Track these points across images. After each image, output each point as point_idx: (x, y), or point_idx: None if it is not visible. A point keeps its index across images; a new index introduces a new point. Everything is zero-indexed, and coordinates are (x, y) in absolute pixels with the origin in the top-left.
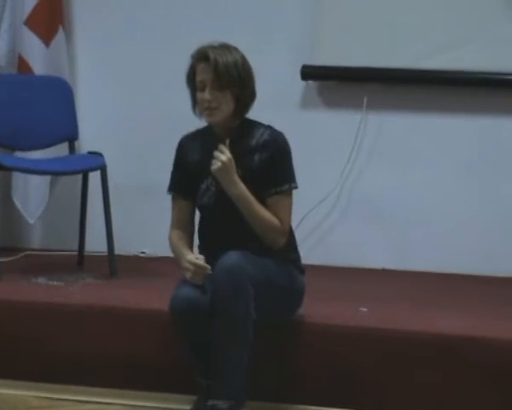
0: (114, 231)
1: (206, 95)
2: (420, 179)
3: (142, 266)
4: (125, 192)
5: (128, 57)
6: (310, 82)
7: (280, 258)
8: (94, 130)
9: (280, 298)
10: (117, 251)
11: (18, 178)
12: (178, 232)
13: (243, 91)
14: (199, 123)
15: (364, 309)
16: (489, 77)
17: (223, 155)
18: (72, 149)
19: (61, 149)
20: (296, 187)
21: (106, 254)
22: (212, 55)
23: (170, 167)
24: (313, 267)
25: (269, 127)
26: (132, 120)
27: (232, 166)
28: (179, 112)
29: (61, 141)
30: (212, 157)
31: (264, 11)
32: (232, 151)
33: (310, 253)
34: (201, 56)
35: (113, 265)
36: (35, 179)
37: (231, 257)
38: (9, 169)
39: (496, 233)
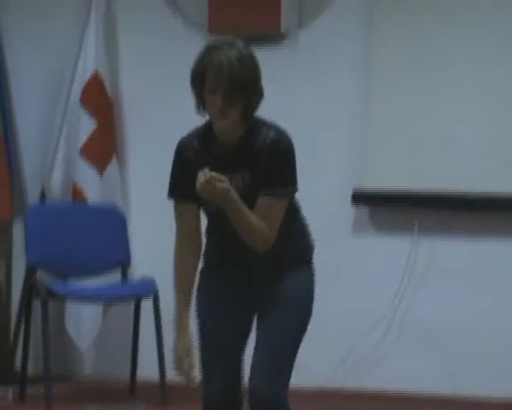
0: (167, 359)
1: (218, 103)
2: (474, 305)
3: (193, 395)
4: None
5: None
6: (361, 206)
7: (304, 264)
8: (147, 255)
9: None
10: (169, 378)
11: (71, 305)
12: (186, 253)
13: (253, 97)
14: None
15: None
16: None
17: (202, 177)
18: (124, 275)
19: (114, 275)
20: (294, 191)
21: (158, 381)
22: (226, 66)
23: None
24: (367, 394)
25: (272, 126)
26: None
27: (213, 183)
28: None
29: (113, 267)
30: (218, 162)
31: (314, 136)
32: (239, 156)
33: (364, 378)
34: (214, 64)
35: (165, 393)
36: (88, 306)
37: (263, 388)
38: (62, 297)
39: None
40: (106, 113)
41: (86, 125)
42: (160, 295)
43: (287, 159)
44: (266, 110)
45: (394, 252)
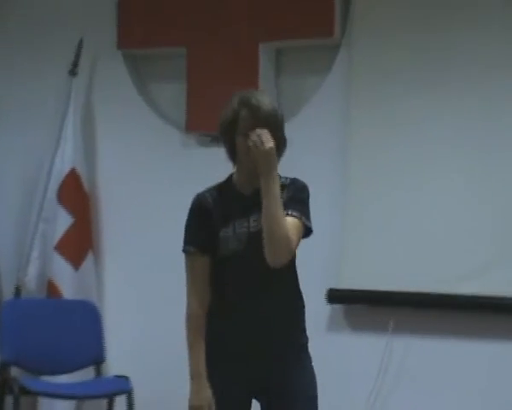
0: None
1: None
2: (448, 405)
3: None
4: None
5: (154, 274)
6: (335, 305)
7: (306, 350)
8: (121, 352)
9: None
10: None
11: (43, 402)
12: (197, 302)
13: (281, 141)
14: None
15: None
16: None
17: (270, 142)
18: (98, 372)
19: (88, 372)
20: (309, 226)
21: None
22: (263, 108)
23: None
24: None
25: (287, 176)
26: (160, 342)
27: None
28: None
29: (87, 365)
30: (235, 207)
31: None
32: (258, 200)
33: None
34: (251, 105)
35: None
36: (60, 403)
37: None
38: (35, 394)
39: None
40: (82, 208)
41: (62, 221)
42: (134, 393)
43: (303, 194)
44: None
45: (369, 350)
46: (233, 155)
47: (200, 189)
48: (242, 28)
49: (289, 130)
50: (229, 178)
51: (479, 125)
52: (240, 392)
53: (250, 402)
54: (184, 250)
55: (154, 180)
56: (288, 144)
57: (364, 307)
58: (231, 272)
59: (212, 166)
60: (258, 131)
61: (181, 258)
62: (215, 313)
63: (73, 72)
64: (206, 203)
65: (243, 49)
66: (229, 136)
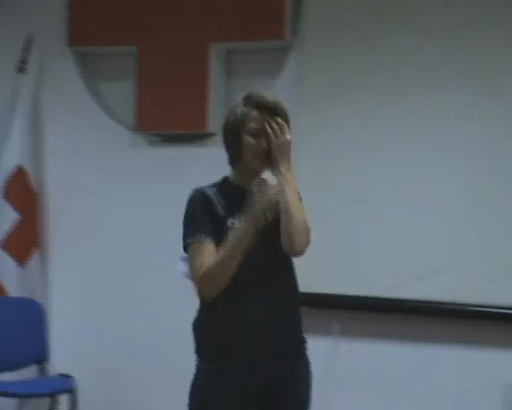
0: None
1: (264, 144)
2: (394, 408)
3: None
4: None
5: (100, 274)
6: None
7: (306, 354)
8: (66, 351)
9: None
10: None
11: None
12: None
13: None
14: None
15: None
16: (460, 308)
17: (288, 135)
18: (41, 370)
19: (32, 370)
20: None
21: None
22: (278, 105)
23: (142, 390)
24: None
25: None
26: (104, 341)
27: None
28: (150, 335)
29: (31, 363)
30: (237, 202)
31: None
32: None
33: None
34: (266, 102)
35: None
36: (2, 402)
37: None
38: None
39: None
40: (29, 206)
41: (8, 217)
42: (78, 392)
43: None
44: None
45: (315, 353)
46: (238, 155)
47: (149, 189)
48: (193, 28)
49: None
50: (225, 179)
51: (430, 128)
52: (244, 395)
53: (252, 404)
54: (193, 240)
55: (103, 180)
56: None
57: (310, 310)
58: (244, 278)
59: (161, 166)
60: (280, 120)
61: (128, 257)
62: (216, 309)
63: (22, 69)
64: (208, 195)
65: (194, 49)
66: (236, 135)
